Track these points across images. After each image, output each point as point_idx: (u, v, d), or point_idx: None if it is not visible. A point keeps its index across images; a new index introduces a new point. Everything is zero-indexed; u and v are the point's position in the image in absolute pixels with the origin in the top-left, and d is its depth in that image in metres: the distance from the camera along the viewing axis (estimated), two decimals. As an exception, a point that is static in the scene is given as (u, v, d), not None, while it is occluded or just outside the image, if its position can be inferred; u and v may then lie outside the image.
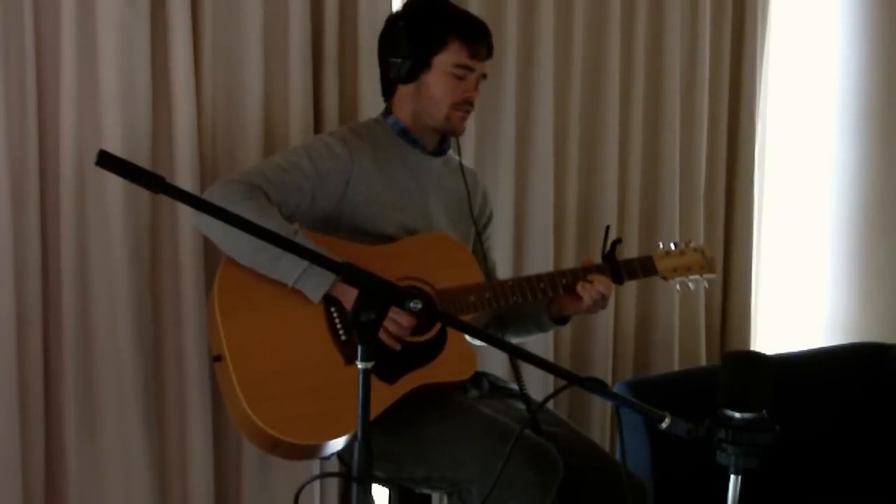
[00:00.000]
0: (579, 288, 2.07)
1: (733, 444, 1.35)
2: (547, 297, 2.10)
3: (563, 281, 2.08)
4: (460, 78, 2.07)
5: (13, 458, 2.08)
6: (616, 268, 2.11)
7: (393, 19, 2.13)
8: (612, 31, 2.80)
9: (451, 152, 2.23)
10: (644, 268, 2.17)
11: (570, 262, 2.81)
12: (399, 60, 2.07)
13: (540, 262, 2.72)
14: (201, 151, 2.26)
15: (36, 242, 2.11)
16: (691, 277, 2.19)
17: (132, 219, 2.19)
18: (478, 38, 2.09)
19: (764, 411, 1.36)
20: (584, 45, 2.80)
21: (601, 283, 2.06)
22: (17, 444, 2.09)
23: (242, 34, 2.28)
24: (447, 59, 2.06)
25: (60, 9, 2.08)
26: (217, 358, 1.89)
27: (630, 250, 2.89)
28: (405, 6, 2.14)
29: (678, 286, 2.22)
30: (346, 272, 1.40)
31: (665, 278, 2.18)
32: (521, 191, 2.73)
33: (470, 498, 1.86)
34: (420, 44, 2.06)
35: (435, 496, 2.20)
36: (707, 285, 2.27)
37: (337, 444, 1.88)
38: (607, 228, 2.16)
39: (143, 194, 2.19)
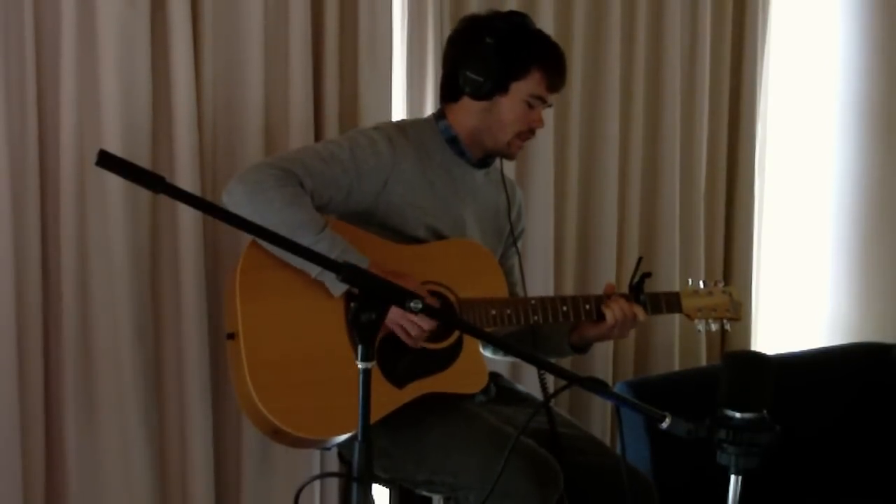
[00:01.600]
0: (604, 307, 2.03)
1: (734, 444, 1.35)
2: (568, 320, 2.06)
3: (587, 307, 2.05)
4: (531, 106, 2.04)
5: (13, 457, 2.09)
6: (641, 300, 2.08)
7: (479, 29, 2.04)
8: (612, 31, 2.80)
9: (495, 164, 2.20)
10: (669, 304, 2.14)
11: (570, 265, 2.81)
12: (478, 78, 2.01)
13: (540, 264, 2.72)
14: (201, 151, 2.25)
15: (36, 242, 2.11)
16: (714, 319, 2.17)
17: (132, 218, 2.19)
18: (560, 71, 2.06)
19: (764, 411, 1.36)
20: (584, 45, 2.79)
21: (630, 307, 2.04)
22: (17, 442, 2.09)
23: (242, 34, 2.28)
24: (526, 87, 2.02)
25: (60, 8, 2.08)
26: (231, 335, 1.87)
27: (630, 250, 2.89)
28: (493, 20, 2.06)
29: (700, 326, 2.18)
30: (346, 272, 1.40)
31: (689, 317, 2.16)
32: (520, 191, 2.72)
33: None
34: (504, 67, 2.00)
35: (435, 498, 2.19)
36: (728, 329, 2.23)
37: (338, 438, 1.88)
38: (639, 260, 2.13)
39: (144, 194, 2.19)
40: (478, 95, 2.03)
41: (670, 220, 2.96)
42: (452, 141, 2.09)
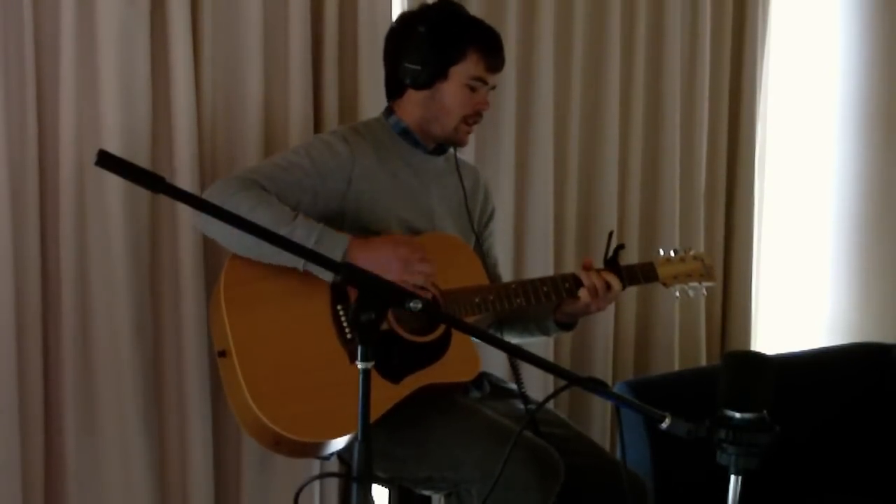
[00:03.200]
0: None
1: (733, 444, 1.35)
2: (551, 301, 2.10)
3: (566, 285, 2.09)
4: (474, 89, 2.07)
5: (13, 457, 2.08)
6: (618, 272, 2.12)
7: (410, 22, 2.10)
8: (612, 31, 2.80)
9: (451, 150, 2.23)
10: (645, 274, 2.18)
11: (570, 263, 2.81)
12: (416, 67, 2.05)
13: (540, 262, 2.72)
14: (201, 151, 2.26)
15: (35, 242, 2.11)
16: (691, 285, 2.22)
17: (132, 219, 2.20)
18: (496, 50, 2.09)
19: (764, 411, 1.36)
20: (584, 45, 2.79)
21: (600, 276, 2.07)
22: (17, 443, 2.09)
23: (242, 34, 2.28)
24: (465, 70, 2.05)
25: (60, 9, 2.08)
26: (222, 353, 1.89)
27: (630, 250, 2.89)
28: (425, 11, 2.13)
29: (677, 293, 2.23)
30: (346, 272, 1.40)
31: (665, 285, 2.20)
32: (521, 191, 2.73)
33: (469, 499, 1.86)
34: (439, 52, 2.04)
35: (435, 497, 2.20)
36: (706, 293, 2.30)
37: (339, 443, 1.88)
38: (610, 233, 2.17)
39: (143, 194, 2.19)
40: (419, 84, 2.07)
41: (670, 219, 2.96)
42: (405, 133, 2.14)
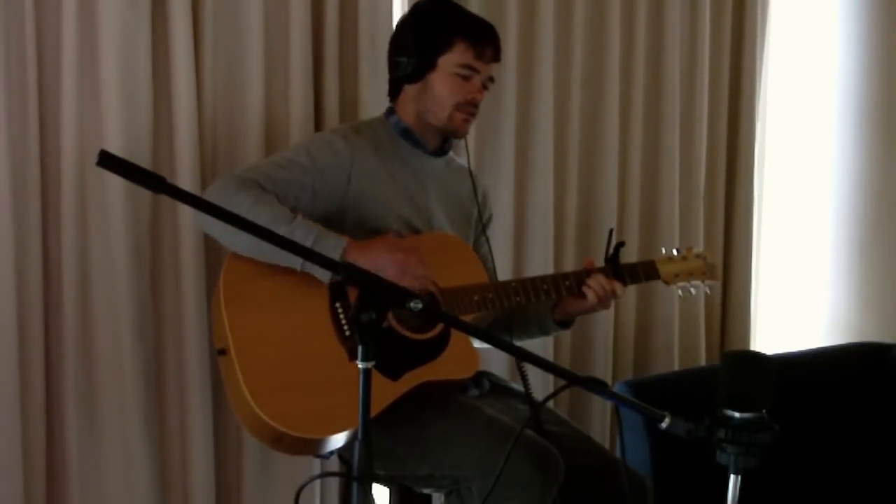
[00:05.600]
0: (585, 286, 2.08)
1: (733, 443, 1.35)
2: (550, 299, 2.10)
3: (567, 283, 2.10)
4: (465, 79, 2.08)
5: (14, 456, 2.09)
6: (619, 271, 2.12)
7: (403, 20, 2.15)
8: (612, 31, 2.80)
9: (452, 154, 2.24)
10: (647, 272, 2.19)
11: (570, 262, 2.81)
12: (405, 60, 2.08)
13: (540, 262, 2.72)
14: (202, 151, 2.26)
15: (37, 242, 2.11)
16: (693, 283, 2.22)
17: (133, 219, 2.20)
18: (484, 39, 2.10)
19: (763, 411, 1.36)
20: (584, 45, 2.80)
21: (610, 282, 2.08)
22: (18, 442, 2.10)
23: (243, 35, 2.29)
24: (452, 59, 2.07)
25: (61, 9, 2.09)
26: (222, 351, 1.90)
27: (630, 250, 2.89)
28: (413, 7, 2.16)
29: (679, 291, 2.24)
30: (346, 272, 1.40)
31: (667, 283, 2.21)
32: (521, 191, 2.73)
33: (470, 496, 1.86)
34: (426, 43, 2.07)
35: (435, 496, 2.20)
36: (709, 291, 2.30)
37: (339, 439, 1.88)
38: (611, 231, 2.17)
39: (144, 194, 2.19)
40: (410, 77, 2.09)
41: (670, 219, 2.96)
42: (405, 133, 2.14)
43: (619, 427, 1.81)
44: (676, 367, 2.99)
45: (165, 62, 2.21)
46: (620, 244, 2.14)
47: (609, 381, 2.86)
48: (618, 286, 2.10)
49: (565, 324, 2.20)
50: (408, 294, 1.39)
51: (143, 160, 2.17)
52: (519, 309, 2.12)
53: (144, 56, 2.18)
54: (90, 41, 2.12)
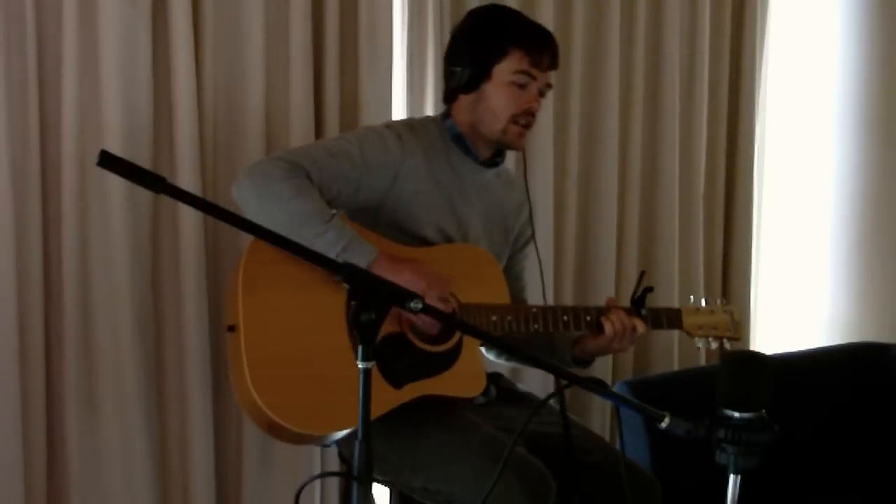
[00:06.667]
0: (604, 318, 2.04)
1: (733, 443, 1.35)
2: (569, 330, 2.06)
3: (588, 317, 2.05)
4: (522, 87, 2.02)
5: (14, 455, 2.09)
6: (642, 314, 2.09)
7: (457, 29, 2.10)
8: (612, 31, 2.80)
9: (504, 165, 2.20)
10: (670, 320, 2.16)
11: (570, 262, 2.81)
12: (459, 69, 2.03)
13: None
14: (202, 151, 2.26)
15: (38, 242, 2.12)
16: (714, 337, 2.19)
17: (133, 218, 2.20)
18: (540, 46, 2.03)
19: (763, 411, 1.36)
20: (583, 45, 2.80)
21: (630, 319, 2.04)
22: (19, 440, 2.10)
23: (243, 34, 2.29)
24: (508, 67, 2.00)
25: (61, 9, 2.09)
26: (231, 328, 1.86)
27: (629, 250, 2.90)
28: (467, 15, 2.11)
29: (700, 344, 2.20)
30: (346, 272, 1.40)
31: (689, 334, 2.18)
32: (520, 191, 2.73)
33: None
34: (481, 52, 2.01)
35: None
36: (729, 348, 2.24)
37: (336, 434, 1.88)
38: (642, 273, 2.13)
39: (145, 194, 2.19)
40: (464, 87, 2.04)
41: (669, 220, 2.96)
42: (458, 139, 2.09)
43: (619, 427, 1.82)
44: (676, 367, 2.99)
45: (165, 62, 2.21)
46: (649, 289, 2.11)
47: (609, 381, 2.87)
48: (639, 324, 2.06)
49: (583, 361, 2.15)
50: (408, 294, 1.39)
51: (143, 160, 2.17)
52: (546, 341, 2.09)
53: (144, 56, 2.18)
54: (90, 41, 2.12)
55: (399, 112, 2.55)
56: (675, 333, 2.99)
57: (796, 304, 3.38)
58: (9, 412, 2.08)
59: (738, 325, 2.21)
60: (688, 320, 2.17)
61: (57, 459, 2.20)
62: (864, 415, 2.83)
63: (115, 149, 2.06)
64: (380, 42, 2.45)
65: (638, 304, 2.10)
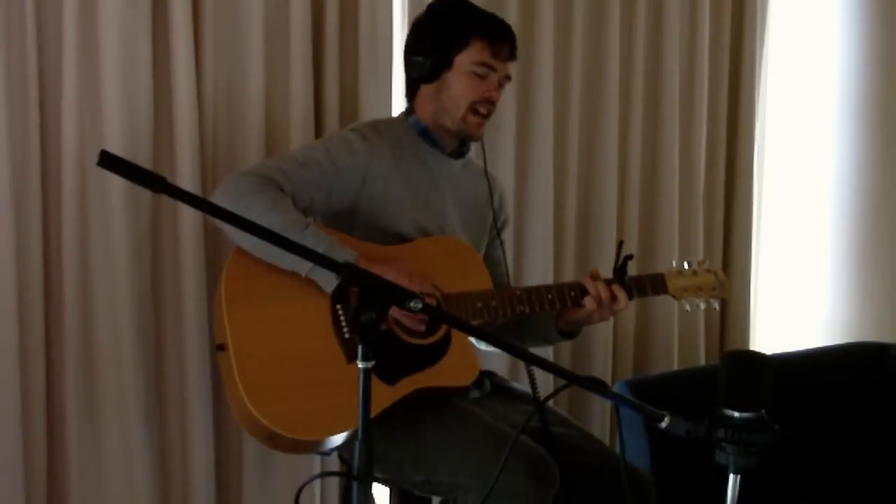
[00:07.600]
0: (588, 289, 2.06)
1: (732, 443, 1.35)
2: (555, 309, 2.08)
3: (572, 293, 2.07)
4: (482, 77, 2.06)
5: (15, 456, 2.09)
6: (625, 283, 2.10)
7: (418, 21, 2.14)
8: (612, 31, 2.81)
9: (470, 156, 2.22)
10: (654, 286, 2.17)
11: (570, 263, 2.81)
12: (421, 59, 2.07)
13: (540, 262, 2.72)
14: (202, 151, 2.26)
15: (38, 242, 2.12)
16: (701, 298, 2.19)
17: (133, 218, 2.20)
18: (500, 37, 2.08)
19: (763, 411, 1.36)
20: (584, 45, 2.80)
21: (607, 288, 2.06)
22: (19, 442, 2.10)
23: (243, 34, 2.29)
24: (468, 57, 2.05)
25: (62, 8, 2.09)
26: (220, 347, 1.89)
27: (629, 249, 2.87)
28: (428, 7, 2.14)
29: (687, 306, 2.20)
30: (346, 272, 1.40)
31: (675, 297, 2.18)
32: (520, 191, 2.73)
33: None
34: (442, 42, 2.05)
35: (434, 499, 2.20)
36: (717, 308, 2.25)
37: (335, 439, 1.88)
38: (620, 243, 2.15)
39: (145, 194, 2.19)
40: (426, 77, 2.08)
41: (669, 220, 2.96)
42: (423, 133, 2.13)
43: (619, 427, 1.82)
44: (676, 367, 2.99)
45: (165, 62, 2.21)
46: (629, 257, 2.11)
47: (609, 380, 2.87)
48: (620, 295, 2.07)
49: (568, 333, 2.18)
50: (408, 294, 1.39)
51: (143, 160, 2.17)
52: (523, 317, 2.10)
53: (144, 56, 2.18)
54: (90, 41, 2.12)
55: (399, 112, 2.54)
56: (675, 332, 2.99)
57: (796, 304, 3.38)
58: (9, 412, 2.08)
59: (724, 283, 2.21)
60: (672, 283, 2.17)
61: (57, 460, 2.20)
62: (864, 415, 2.83)
63: (115, 149, 2.06)
64: (380, 42, 2.45)
65: (620, 273, 2.11)
